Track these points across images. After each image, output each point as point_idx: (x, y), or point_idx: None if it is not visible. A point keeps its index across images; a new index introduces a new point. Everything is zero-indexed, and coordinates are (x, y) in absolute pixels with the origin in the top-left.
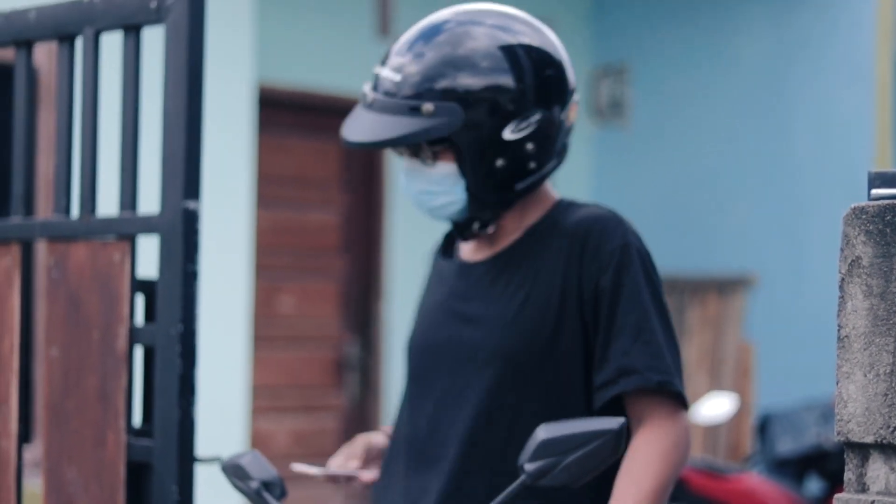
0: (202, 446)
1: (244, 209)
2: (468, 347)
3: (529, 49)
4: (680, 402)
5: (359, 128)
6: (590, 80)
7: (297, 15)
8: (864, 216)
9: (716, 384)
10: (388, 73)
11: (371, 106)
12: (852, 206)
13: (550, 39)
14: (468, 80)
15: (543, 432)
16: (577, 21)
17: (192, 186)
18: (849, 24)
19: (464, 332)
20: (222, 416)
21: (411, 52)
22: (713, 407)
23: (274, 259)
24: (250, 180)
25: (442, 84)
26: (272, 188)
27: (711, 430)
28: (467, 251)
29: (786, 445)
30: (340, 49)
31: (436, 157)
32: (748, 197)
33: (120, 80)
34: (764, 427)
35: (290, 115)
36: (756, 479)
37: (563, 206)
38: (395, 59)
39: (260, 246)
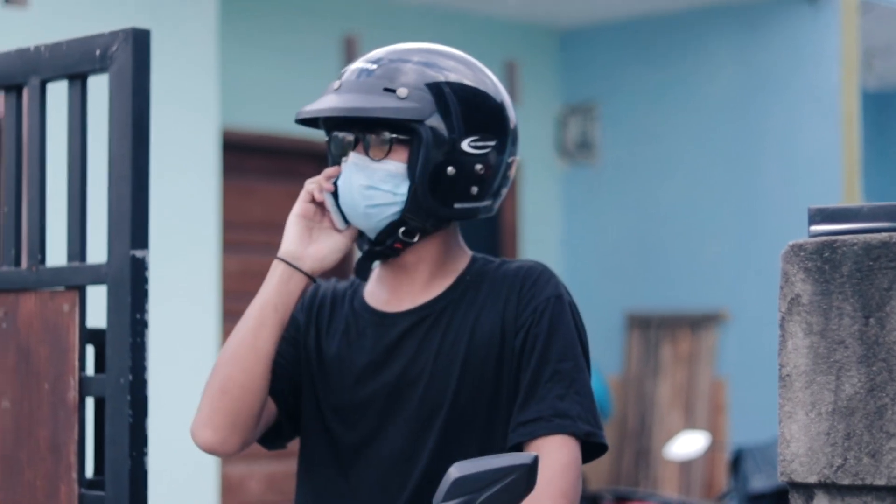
0: (174, 496)
1: (210, 254)
2: (414, 405)
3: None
4: (586, 445)
5: (321, 104)
6: (558, 119)
7: (262, 59)
8: (802, 253)
9: (689, 421)
10: (359, 64)
11: (339, 89)
12: (790, 243)
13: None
14: (447, 78)
15: (456, 471)
16: (545, 61)
17: (139, 235)
18: (813, 59)
19: (405, 390)
20: (193, 465)
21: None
22: (686, 444)
23: (242, 304)
24: (216, 225)
25: (418, 76)
26: (239, 233)
27: (685, 468)
28: (379, 300)
29: (759, 481)
30: (306, 92)
31: (388, 151)
32: (718, 233)
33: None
34: (737, 463)
35: (256, 159)
36: None
37: (483, 260)
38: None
39: (227, 292)
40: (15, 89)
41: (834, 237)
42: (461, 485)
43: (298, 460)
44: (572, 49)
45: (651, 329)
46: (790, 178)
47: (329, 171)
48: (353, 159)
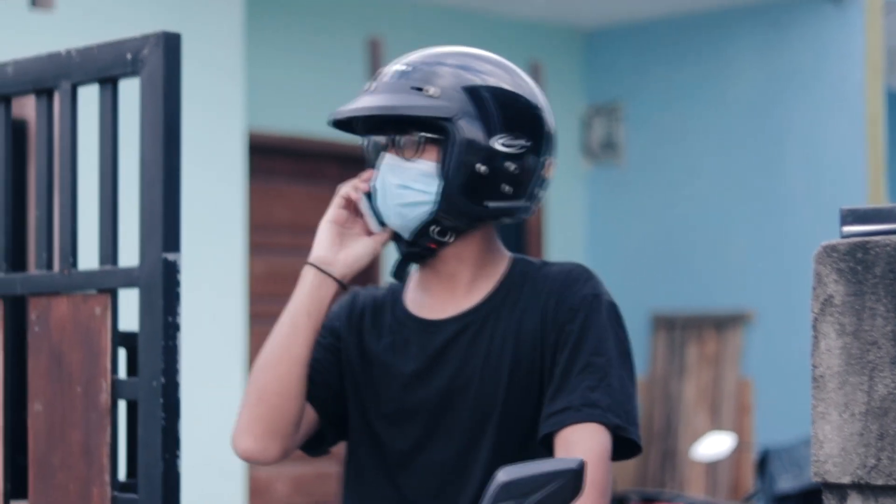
0: (202, 498)
1: (237, 257)
2: (465, 412)
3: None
4: (618, 442)
5: (352, 105)
6: (583, 120)
7: (288, 61)
8: (835, 254)
9: (715, 421)
10: (393, 66)
11: (371, 91)
12: (822, 244)
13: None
14: (485, 82)
15: (503, 475)
16: (570, 61)
17: (171, 238)
18: (838, 58)
19: (455, 398)
20: (221, 468)
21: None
22: (712, 445)
23: (269, 307)
24: (243, 228)
25: (454, 79)
26: (265, 235)
27: (712, 469)
28: (422, 307)
29: (786, 482)
30: (331, 94)
31: (420, 150)
32: (743, 232)
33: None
34: (764, 463)
35: (282, 162)
36: None
37: (523, 262)
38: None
39: (254, 294)
40: (46, 93)
41: (866, 238)
42: (508, 489)
43: (345, 467)
44: (596, 49)
45: (676, 329)
46: (815, 179)
47: (365, 174)
48: (388, 160)
